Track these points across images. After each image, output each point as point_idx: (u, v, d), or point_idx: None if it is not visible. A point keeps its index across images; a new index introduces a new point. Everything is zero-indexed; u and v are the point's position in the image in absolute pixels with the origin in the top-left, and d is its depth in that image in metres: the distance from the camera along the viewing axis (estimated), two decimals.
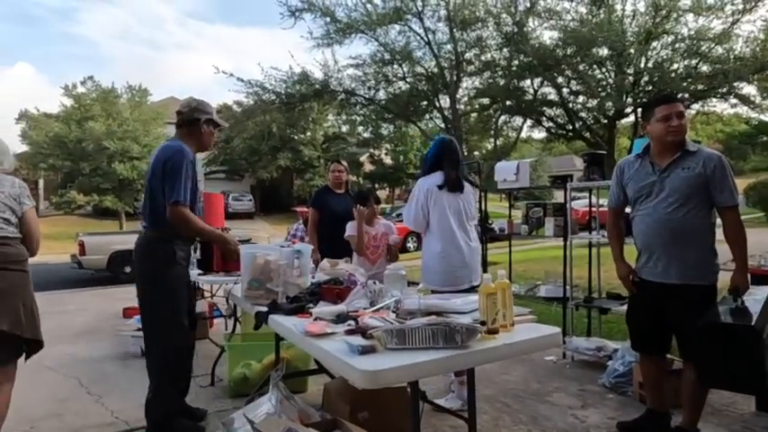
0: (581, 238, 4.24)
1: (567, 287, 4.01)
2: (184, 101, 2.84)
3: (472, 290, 2.90)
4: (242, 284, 2.46)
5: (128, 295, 6.53)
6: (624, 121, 14.39)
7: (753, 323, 2.15)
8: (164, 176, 2.52)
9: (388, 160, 30.76)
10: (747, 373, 2.16)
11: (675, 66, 11.98)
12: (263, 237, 12.75)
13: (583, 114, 13.97)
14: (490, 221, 6.09)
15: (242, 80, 12.25)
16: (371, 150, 29.04)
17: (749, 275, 2.47)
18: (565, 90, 13.26)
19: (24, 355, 2.43)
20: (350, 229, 3.59)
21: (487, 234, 5.90)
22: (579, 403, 3.05)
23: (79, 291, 8.31)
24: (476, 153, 19.53)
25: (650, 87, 12.17)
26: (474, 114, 14.71)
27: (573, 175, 4.38)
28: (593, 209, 4.57)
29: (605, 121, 13.41)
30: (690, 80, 11.73)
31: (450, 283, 2.90)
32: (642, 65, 12.17)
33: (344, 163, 4.53)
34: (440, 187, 3.00)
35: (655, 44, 12.08)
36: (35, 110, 25.79)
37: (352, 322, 1.86)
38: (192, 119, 2.70)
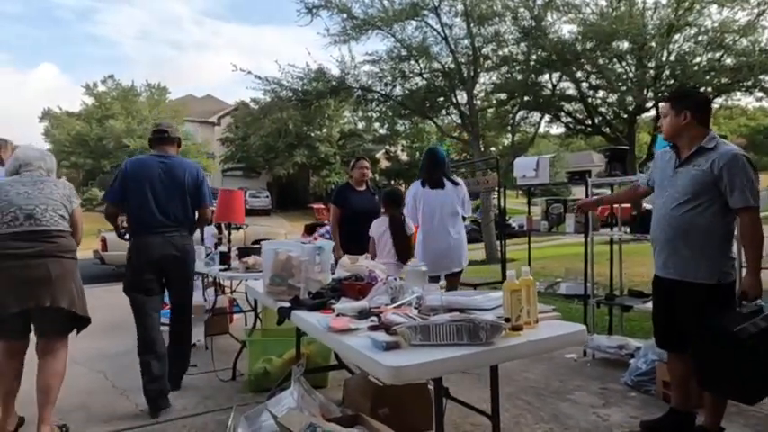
0: (602, 234, 4.19)
1: (588, 284, 3.97)
2: (164, 122, 3.67)
3: (453, 276, 3.69)
4: (264, 280, 2.48)
5: None
6: (645, 115, 14.15)
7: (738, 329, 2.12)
8: (197, 188, 3.24)
9: (404, 157, 30.72)
10: (738, 380, 2.14)
11: (698, 59, 11.73)
12: (280, 233, 12.85)
13: (602, 109, 13.76)
14: (508, 218, 6.06)
15: (259, 77, 12.34)
16: (387, 147, 29.04)
17: None
18: (584, 85, 13.07)
19: (76, 330, 2.79)
20: (378, 226, 3.79)
21: (505, 231, 5.89)
22: (601, 402, 3.02)
23: (101, 286, 8.47)
24: (492, 149, 19.40)
25: (672, 81, 11.93)
26: (491, 110, 14.59)
27: (591, 171, 4.34)
28: (616, 206, 4.51)
29: (625, 116, 13.19)
30: (713, 73, 11.46)
31: (432, 269, 3.06)
32: (664, 58, 11.93)
33: (368, 160, 4.64)
34: (422, 185, 3.75)
35: (677, 37, 11.83)
36: (57, 109, 26.35)
37: (374, 318, 1.87)
38: (177, 137, 3.39)
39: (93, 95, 25.71)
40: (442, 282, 2.37)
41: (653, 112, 13.50)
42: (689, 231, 2.36)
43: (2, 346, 2.63)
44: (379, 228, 3.78)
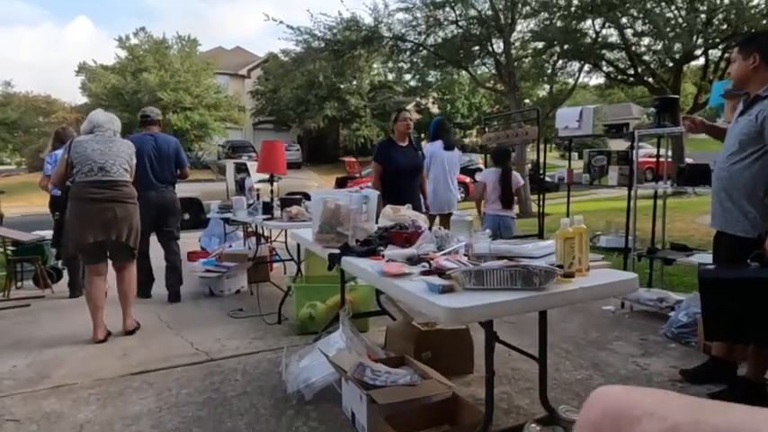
0: (646, 187, 4.10)
1: (630, 237, 3.93)
2: (147, 108, 4.62)
3: (447, 216, 4.58)
4: (313, 228, 2.55)
5: (189, 240, 6.89)
6: (692, 64, 13.38)
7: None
8: (177, 154, 4.42)
9: (435, 109, 30.14)
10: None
11: (756, 1, 10.89)
12: (312, 186, 13.03)
13: (646, 58, 13.02)
14: (542, 173, 5.94)
15: (291, 27, 12.14)
16: (418, 99, 28.47)
17: None
18: (628, 31, 12.35)
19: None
20: (491, 175, 4.75)
21: (541, 185, 5.83)
22: (640, 351, 3.05)
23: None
24: (526, 101, 18.78)
25: (725, 27, 11.16)
26: (528, 59, 14.02)
27: (629, 123, 4.19)
28: (661, 159, 4.37)
29: (671, 64, 12.49)
30: None
31: (438, 209, 4.83)
32: (717, 1, 11.13)
33: (411, 112, 4.62)
34: (444, 149, 4.87)
35: None
36: (93, 62, 26.65)
37: (425, 264, 1.92)
38: (159, 119, 4.51)
39: (125, 48, 25.82)
40: (488, 230, 2.41)
41: (701, 61, 12.76)
42: (734, 184, 2.30)
43: (88, 270, 3.42)
44: (491, 176, 4.74)
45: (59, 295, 4.73)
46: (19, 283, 5.06)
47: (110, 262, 3.54)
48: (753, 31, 9.66)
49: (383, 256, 2.10)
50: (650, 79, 13.08)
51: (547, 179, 14.34)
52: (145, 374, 2.83)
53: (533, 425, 1.66)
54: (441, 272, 1.75)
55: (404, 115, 4.22)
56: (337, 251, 2.31)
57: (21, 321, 3.92)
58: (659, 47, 12.19)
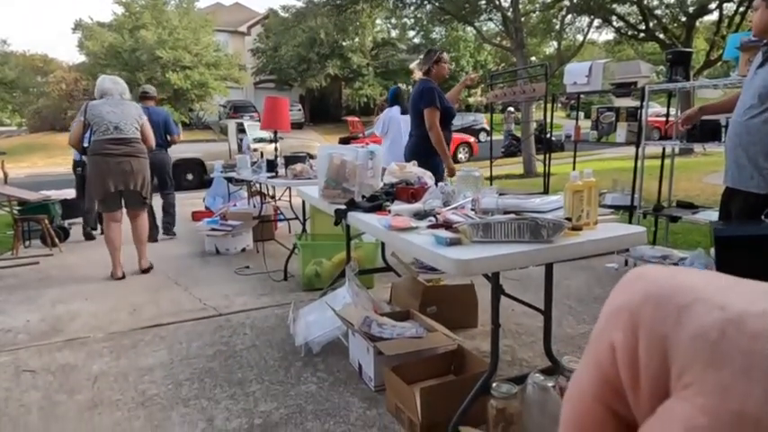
0: (656, 143, 4.04)
1: (636, 195, 3.91)
2: (145, 86, 5.42)
3: None
4: (319, 184, 2.54)
5: (192, 201, 6.92)
6: (705, 19, 12.96)
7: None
8: (166, 124, 5.22)
9: None
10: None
11: None
12: (314, 146, 12.92)
13: (658, 12, 12.63)
14: (550, 131, 5.86)
15: None
16: (421, 57, 27.82)
17: None
18: None
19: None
20: None
21: (547, 145, 5.77)
22: None
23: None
24: (533, 59, 18.34)
25: None
26: (536, 14, 13.60)
27: (637, 82, 4.09)
28: (671, 119, 4.28)
29: (684, 19, 12.12)
30: None
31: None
32: None
33: None
34: (400, 113, 5.02)
35: None
36: (89, 19, 25.97)
37: (432, 218, 1.91)
38: (155, 96, 5.33)
39: (122, 4, 25.12)
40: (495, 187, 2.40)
41: (715, 16, 12.36)
42: (751, 139, 2.24)
43: (108, 217, 3.87)
44: None
45: (67, 253, 4.79)
46: (27, 243, 5.11)
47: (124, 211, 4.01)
48: None
49: (389, 212, 2.10)
50: (662, 35, 12.70)
51: (563, 135, 14.16)
52: (156, 328, 2.89)
53: (537, 374, 1.70)
54: (448, 225, 1.74)
55: (446, 57, 3.91)
56: (343, 207, 2.30)
57: (31, 279, 3.99)
58: (673, 0, 11.80)
